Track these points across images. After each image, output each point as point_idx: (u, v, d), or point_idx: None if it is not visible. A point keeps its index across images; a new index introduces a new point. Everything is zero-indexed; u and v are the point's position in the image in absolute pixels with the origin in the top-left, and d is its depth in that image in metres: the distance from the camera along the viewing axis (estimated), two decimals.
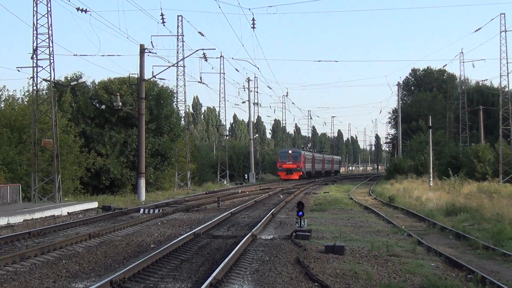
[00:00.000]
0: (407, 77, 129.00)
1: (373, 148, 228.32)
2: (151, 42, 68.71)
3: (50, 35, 37.50)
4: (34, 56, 37.49)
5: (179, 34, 66.32)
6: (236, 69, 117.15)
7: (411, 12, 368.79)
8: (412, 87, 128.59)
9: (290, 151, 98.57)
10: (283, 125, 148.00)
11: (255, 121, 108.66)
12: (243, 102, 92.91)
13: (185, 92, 67.19)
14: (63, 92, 50.07)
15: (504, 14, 62.44)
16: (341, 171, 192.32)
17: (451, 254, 19.22)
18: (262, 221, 28.02)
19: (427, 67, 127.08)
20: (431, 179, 56.38)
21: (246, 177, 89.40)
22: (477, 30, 66.33)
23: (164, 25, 55.13)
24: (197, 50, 73.05)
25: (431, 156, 58.84)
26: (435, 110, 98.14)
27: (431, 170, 57.57)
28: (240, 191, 55.10)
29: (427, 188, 51.44)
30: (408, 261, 18.19)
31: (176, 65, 63.35)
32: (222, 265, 15.86)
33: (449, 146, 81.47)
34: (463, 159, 67.65)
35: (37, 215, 28.95)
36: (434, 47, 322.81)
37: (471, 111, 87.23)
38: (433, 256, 19.27)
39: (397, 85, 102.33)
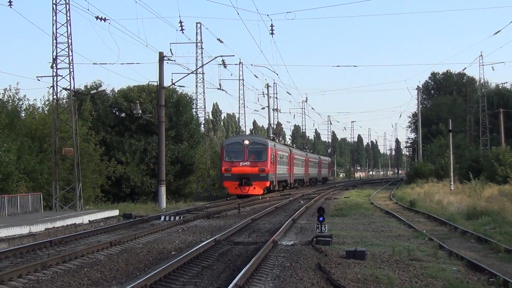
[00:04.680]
0: (426, 81, 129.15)
1: (393, 152, 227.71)
2: (170, 49, 68.71)
3: (70, 44, 37.70)
4: (54, 65, 37.65)
5: (198, 41, 66.56)
6: (255, 75, 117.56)
7: (430, 16, 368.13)
8: (432, 91, 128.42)
9: (246, 141, 56.87)
10: (303, 130, 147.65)
11: (274, 127, 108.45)
12: (263, 108, 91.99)
13: (204, 99, 67.48)
14: (83, 101, 50.30)
15: None
16: (360, 176, 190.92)
17: (473, 258, 19.15)
18: (283, 227, 27.99)
19: (447, 71, 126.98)
20: (452, 183, 56.09)
21: None
22: (496, 33, 65.76)
23: (183, 32, 55.11)
24: (216, 57, 73.07)
25: (451, 160, 58.56)
26: (455, 114, 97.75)
27: (451, 174, 57.28)
28: (260, 197, 55.05)
29: (448, 192, 51.20)
30: (430, 265, 18.15)
31: (195, 72, 63.53)
32: (243, 271, 15.89)
33: (469, 149, 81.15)
34: (484, 162, 67.21)
35: (58, 224, 29.11)
36: (453, 50, 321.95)
37: (491, 114, 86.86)
38: (454, 260, 19.18)
39: (416, 89, 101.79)
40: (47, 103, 46.94)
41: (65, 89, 39.02)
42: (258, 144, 57.26)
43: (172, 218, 34.56)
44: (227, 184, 56.42)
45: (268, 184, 56.71)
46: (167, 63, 48.00)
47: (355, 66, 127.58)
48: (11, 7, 37.83)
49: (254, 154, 56.26)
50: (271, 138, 69.47)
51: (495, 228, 27.59)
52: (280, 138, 79.66)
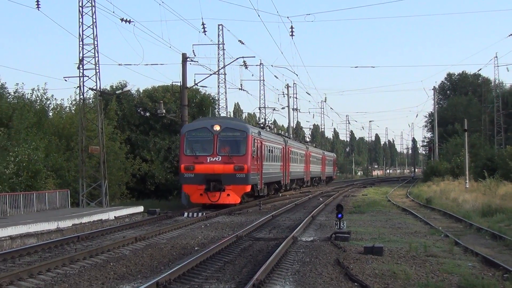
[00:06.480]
0: (442, 81, 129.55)
1: (410, 151, 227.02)
2: (193, 51, 69.81)
3: (96, 45, 38.39)
4: (81, 66, 38.30)
5: (219, 42, 67.32)
6: (275, 76, 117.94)
7: (446, 18, 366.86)
8: (448, 91, 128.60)
9: (216, 127, 38.69)
10: (322, 130, 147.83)
11: (294, 126, 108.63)
12: (283, 108, 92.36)
13: (226, 99, 68.32)
14: (108, 101, 50.97)
15: None
16: (377, 174, 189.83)
17: (488, 254, 19.26)
18: (303, 223, 28.24)
19: (462, 72, 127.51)
20: (467, 181, 56.12)
21: None
22: (511, 34, 65.99)
23: (205, 34, 55.69)
24: (237, 58, 73.57)
25: (467, 159, 58.48)
26: (471, 114, 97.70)
27: (467, 172, 57.25)
28: (280, 194, 55.07)
29: (463, 190, 51.12)
30: (446, 261, 18.32)
31: (217, 73, 64.10)
32: (264, 266, 16.16)
33: (484, 148, 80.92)
34: (499, 161, 67.07)
35: (85, 220, 29.59)
36: (469, 52, 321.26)
37: (506, 114, 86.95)
38: (470, 256, 19.37)
39: (433, 89, 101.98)
40: (74, 102, 47.89)
41: (91, 89, 39.72)
42: (234, 130, 39.27)
43: (195, 214, 34.85)
44: (188, 189, 38.90)
45: (248, 188, 39.30)
46: (190, 64, 48.45)
47: (373, 67, 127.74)
48: (39, 10, 38.61)
49: (228, 145, 38.73)
50: (260, 126, 54.91)
51: (509, 225, 27.77)
52: (272, 127, 62.91)
